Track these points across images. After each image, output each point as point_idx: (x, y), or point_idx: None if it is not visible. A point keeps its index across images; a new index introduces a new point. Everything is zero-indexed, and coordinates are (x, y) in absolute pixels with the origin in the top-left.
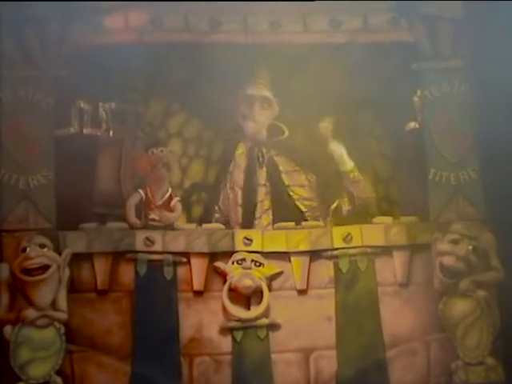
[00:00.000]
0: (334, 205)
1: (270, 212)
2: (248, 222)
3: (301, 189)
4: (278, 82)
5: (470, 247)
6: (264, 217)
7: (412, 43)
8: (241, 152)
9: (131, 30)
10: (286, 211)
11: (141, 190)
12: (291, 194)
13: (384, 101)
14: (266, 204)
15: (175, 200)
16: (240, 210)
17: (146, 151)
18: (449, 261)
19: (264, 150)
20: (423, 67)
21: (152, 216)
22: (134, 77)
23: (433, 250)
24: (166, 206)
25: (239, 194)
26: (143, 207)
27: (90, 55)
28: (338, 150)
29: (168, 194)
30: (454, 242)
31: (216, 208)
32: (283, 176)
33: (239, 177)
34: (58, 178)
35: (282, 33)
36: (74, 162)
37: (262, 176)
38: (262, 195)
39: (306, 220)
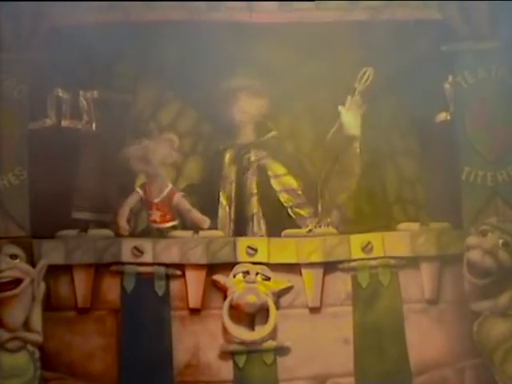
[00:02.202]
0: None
1: (264, 224)
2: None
3: (289, 194)
4: (286, 67)
5: (501, 240)
6: (257, 230)
7: (442, 21)
8: (228, 159)
9: (117, 7)
10: (281, 222)
11: (139, 189)
12: (281, 199)
13: (409, 88)
14: (259, 216)
15: (177, 196)
16: (232, 227)
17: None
18: (474, 255)
19: (252, 154)
20: (455, 49)
21: (153, 217)
22: (121, 61)
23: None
24: (167, 204)
25: (232, 207)
26: (144, 208)
27: (68, 36)
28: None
29: (168, 190)
30: (483, 233)
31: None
32: (272, 181)
33: (230, 188)
34: (33, 178)
35: (291, 10)
36: (51, 160)
37: (252, 184)
38: (256, 206)
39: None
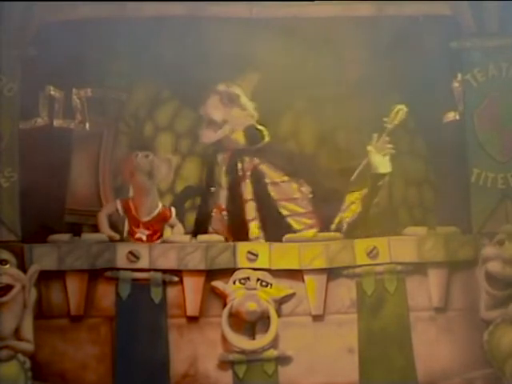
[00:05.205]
0: (336, 222)
1: (262, 232)
2: None
3: (292, 203)
4: (288, 63)
5: None
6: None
7: (451, 17)
8: (220, 165)
9: (112, 2)
10: (279, 230)
11: (118, 201)
12: (281, 209)
13: (417, 86)
14: (257, 223)
15: (173, 219)
16: (227, 233)
17: (132, 151)
18: (494, 266)
19: (246, 159)
20: (465, 46)
21: (138, 235)
22: (115, 58)
23: (480, 259)
24: (158, 223)
25: (224, 215)
26: (128, 224)
27: (61, 31)
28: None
29: (158, 211)
30: (500, 242)
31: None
32: (270, 188)
33: (222, 195)
34: (23, 180)
35: (293, 5)
36: (43, 161)
37: (247, 190)
38: (253, 213)
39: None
